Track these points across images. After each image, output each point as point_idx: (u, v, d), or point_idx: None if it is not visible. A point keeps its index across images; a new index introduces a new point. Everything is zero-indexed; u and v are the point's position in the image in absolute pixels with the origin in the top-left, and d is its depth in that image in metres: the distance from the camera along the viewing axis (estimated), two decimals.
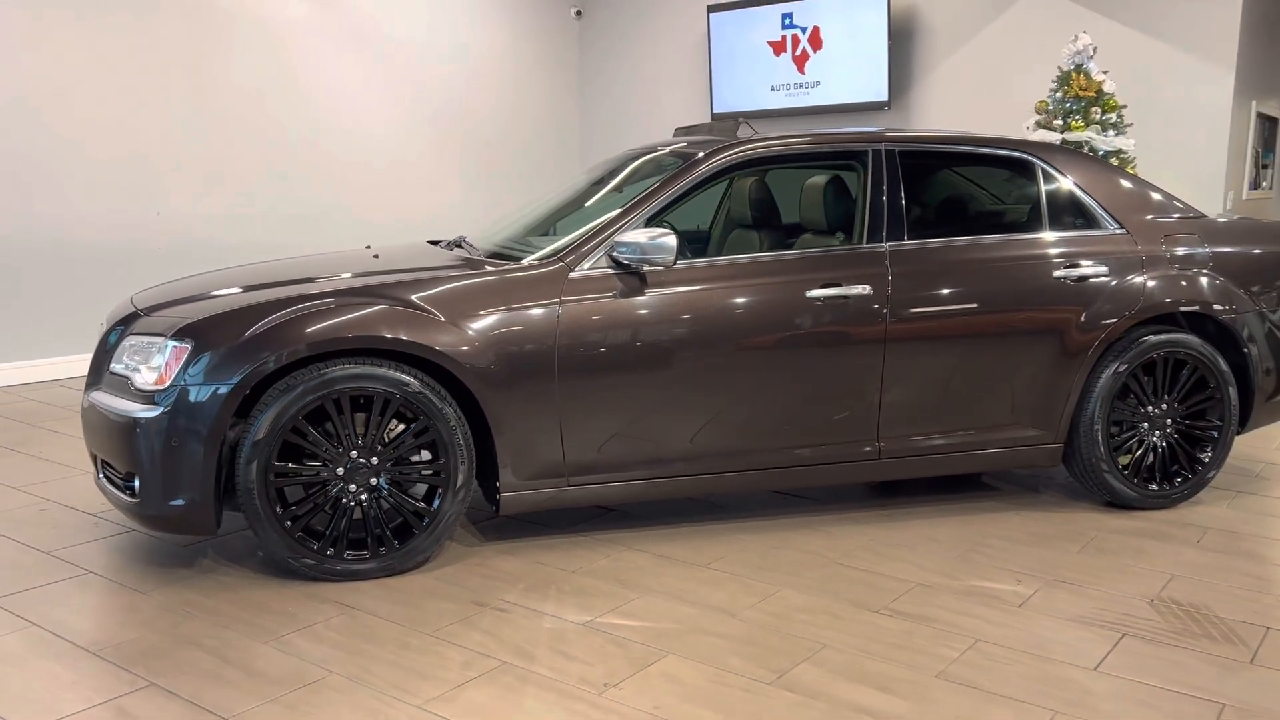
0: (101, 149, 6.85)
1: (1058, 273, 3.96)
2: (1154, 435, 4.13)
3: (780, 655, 2.88)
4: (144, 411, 3.24)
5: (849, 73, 8.45)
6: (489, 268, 3.59)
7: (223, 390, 3.19)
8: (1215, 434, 4.18)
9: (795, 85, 8.76)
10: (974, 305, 3.86)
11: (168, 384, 3.23)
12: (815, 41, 8.58)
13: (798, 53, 8.69)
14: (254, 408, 3.26)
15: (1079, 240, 4.05)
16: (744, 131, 4.12)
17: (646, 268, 3.57)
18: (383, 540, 3.40)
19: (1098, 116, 6.88)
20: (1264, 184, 8.57)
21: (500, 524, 3.94)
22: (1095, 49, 6.98)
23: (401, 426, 3.40)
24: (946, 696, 2.66)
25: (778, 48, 8.80)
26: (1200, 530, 3.94)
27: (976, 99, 8.13)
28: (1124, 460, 4.11)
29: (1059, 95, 7.03)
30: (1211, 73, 7.20)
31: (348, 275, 3.59)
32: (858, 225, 3.90)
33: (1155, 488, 4.14)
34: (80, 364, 6.86)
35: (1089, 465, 4.06)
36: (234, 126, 7.56)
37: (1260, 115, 8.07)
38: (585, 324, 3.49)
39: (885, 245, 3.84)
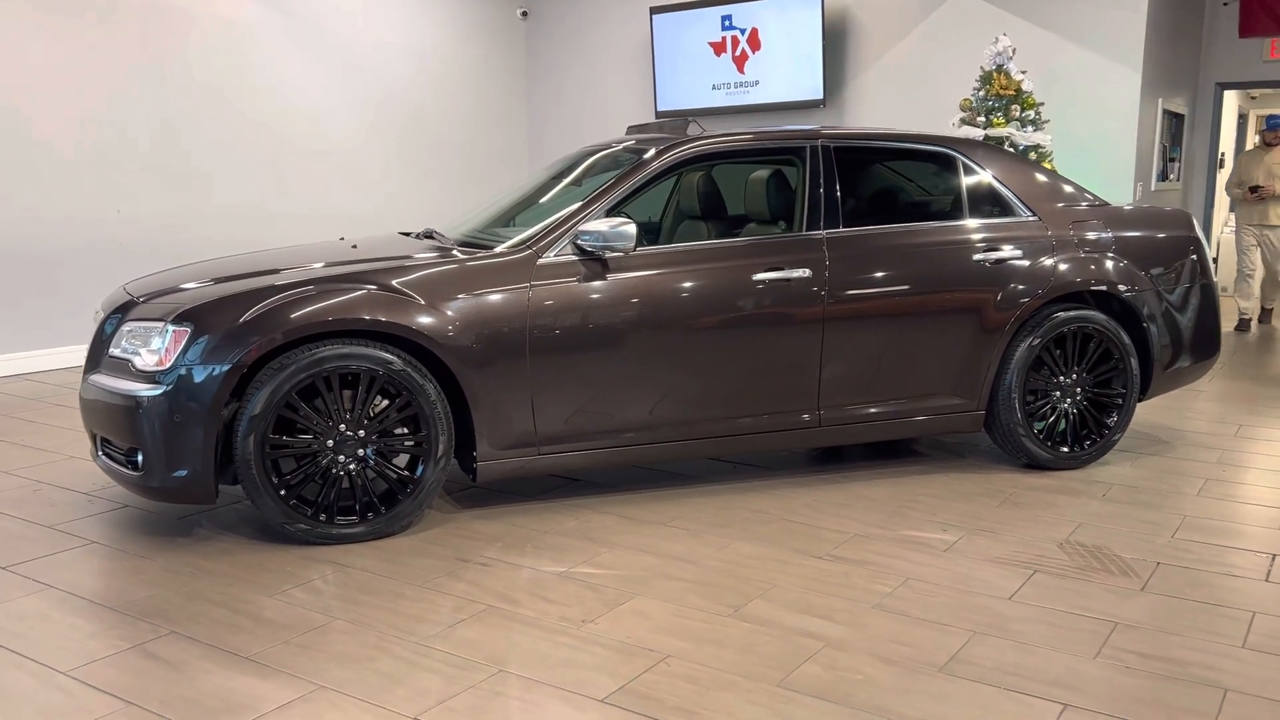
0: (64, 148, 7.02)
1: (977, 256, 4.38)
2: (1065, 403, 4.57)
3: (735, 594, 3.25)
4: (146, 391, 3.51)
5: (786, 72, 8.87)
6: (463, 255, 3.91)
7: (221, 370, 3.47)
8: (1120, 401, 4.64)
9: (735, 84, 9.15)
10: (903, 286, 4.26)
11: (168, 365, 3.50)
12: (754, 42, 8.98)
13: (737, 53, 9.08)
14: (249, 385, 3.55)
15: (996, 227, 4.48)
16: (693, 129, 4.49)
17: (608, 254, 3.91)
18: (370, 506, 3.71)
19: (1017, 114, 7.36)
20: (1171, 176, 9.15)
21: (475, 494, 4.26)
22: (1014, 50, 7.47)
23: (386, 402, 3.71)
24: (879, 623, 3.05)
25: (718, 48, 9.19)
26: (1106, 486, 4.39)
27: (905, 97, 8.59)
28: (1039, 426, 4.54)
29: (982, 94, 7.50)
30: (1120, 73, 7.73)
31: (331, 264, 3.89)
32: (798, 215, 4.28)
33: (1067, 450, 4.59)
34: (47, 358, 7.03)
35: (1008, 430, 4.49)
36: (194, 126, 7.75)
37: (1167, 112, 8.64)
38: (553, 306, 3.82)
39: (823, 233, 4.23)
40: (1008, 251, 4.42)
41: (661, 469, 4.61)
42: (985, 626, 3.02)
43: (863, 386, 4.29)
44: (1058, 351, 4.53)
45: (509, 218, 4.62)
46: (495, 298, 3.78)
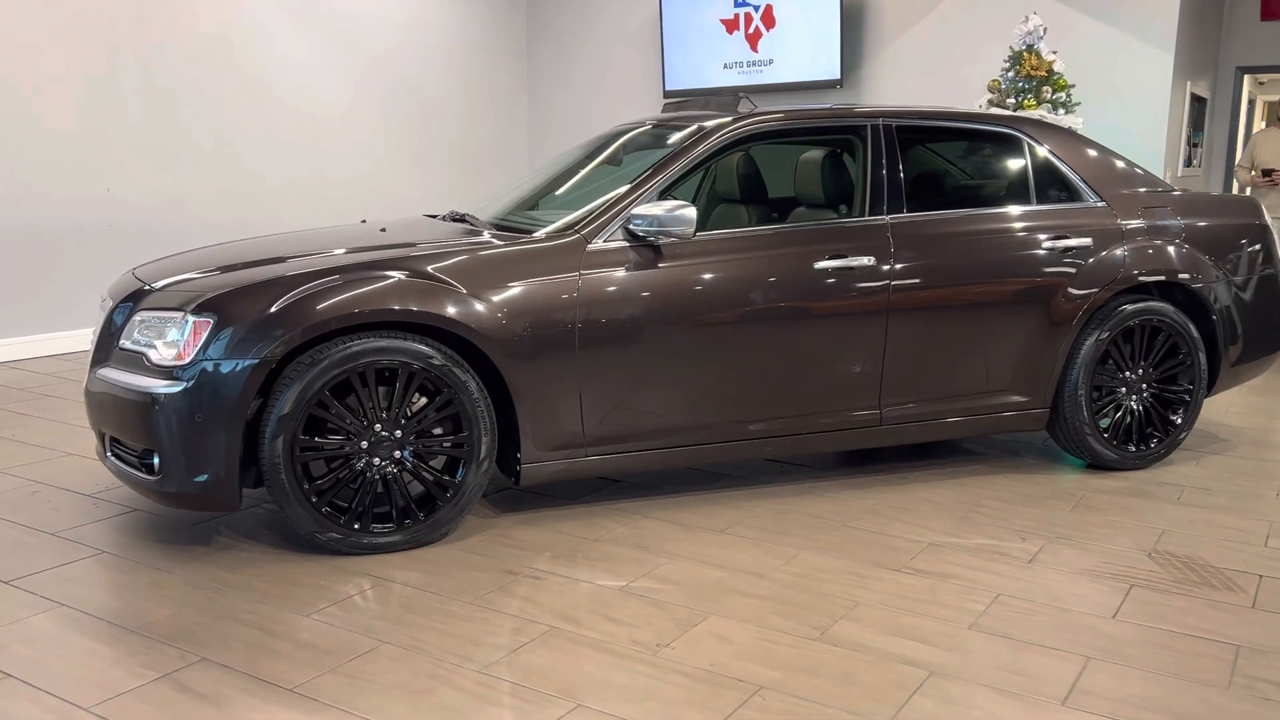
0: (52, 125, 6.63)
1: (1046, 244, 4.12)
2: (1131, 399, 4.33)
3: (817, 613, 2.98)
4: (164, 387, 3.19)
5: (802, 51, 8.57)
6: (506, 241, 3.60)
7: (248, 365, 3.16)
8: (1187, 397, 4.39)
9: (748, 63, 8.85)
10: (970, 276, 3.99)
11: (188, 359, 3.19)
12: (768, 20, 8.68)
13: (750, 31, 8.78)
14: (276, 382, 3.24)
15: (1064, 213, 4.21)
16: (744, 106, 4.19)
17: (663, 239, 3.62)
18: (408, 512, 3.41)
19: (1049, 95, 7.10)
20: (1195, 162, 8.93)
21: (512, 496, 3.97)
22: (1045, 29, 7.20)
23: (423, 400, 3.40)
24: (982, 646, 2.79)
25: (730, 25, 8.87)
26: (1177, 488, 4.15)
27: (926, 77, 8.32)
28: (1104, 424, 4.29)
29: (1011, 75, 7.24)
30: (1152, 55, 7.48)
31: (361, 249, 3.58)
32: (858, 198, 4.00)
33: (1133, 449, 4.34)
34: (33, 345, 6.66)
35: (1073, 429, 4.24)
36: (185, 104, 7.37)
37: (1192, 95, 8.41)
38: (604, 296, 3.53)
39: (886, 218, 3.95)
40: (1076, 240, 4.16)
41: (704, 469, 4.33)
42: (1098, 651, 2.77)
43: (926, 383, 4.02)
44: (1125, 346, 4.28)
45: (543, 200, 4.32)
46: (542, 286, 3.48)
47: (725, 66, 8.98)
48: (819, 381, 3.86)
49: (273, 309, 3.20)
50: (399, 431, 3.37)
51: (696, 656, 2.71)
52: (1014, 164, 4.28)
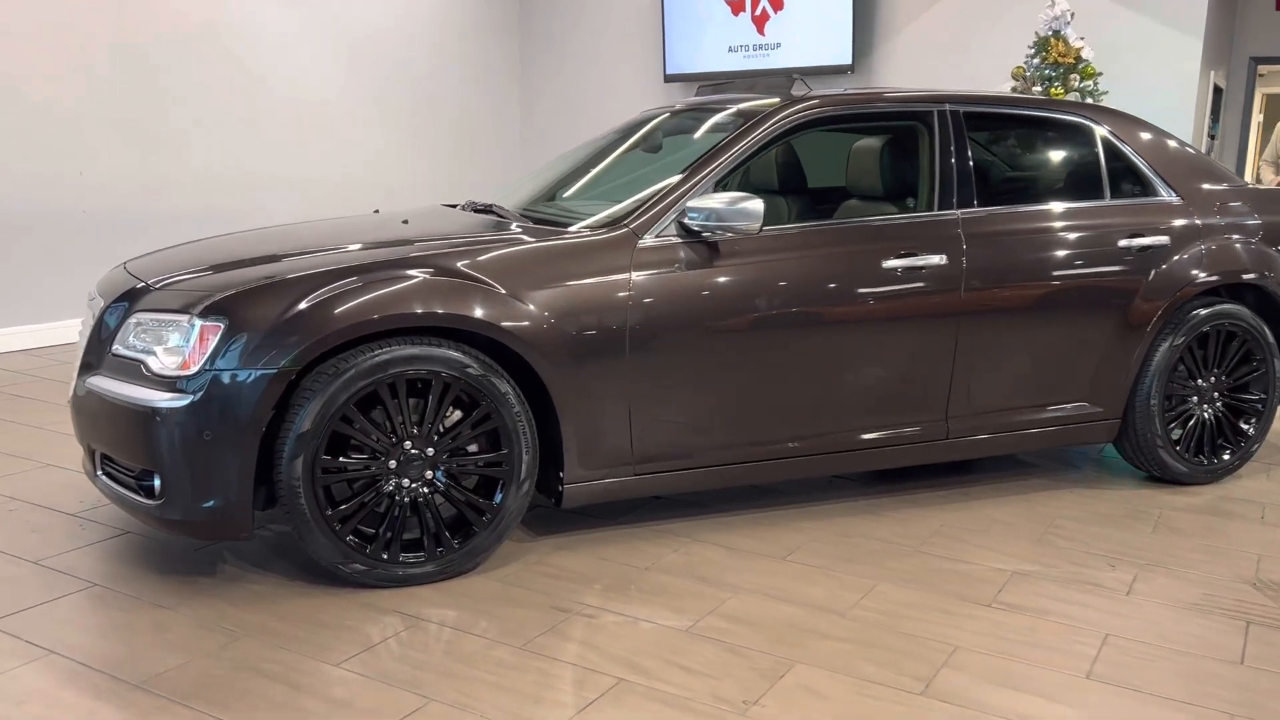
0: (20, 101, 6.16)
1: (1122, 242, 3.81)
2: (1203, 409, 4.04)
3: (914, 659, 2.65)
4: (167, 400, 2.80)
5: (811, 34, 8.23)
6: (548, 235, 3.23)
7: (265, 375, 2.77)
8: (1260, 406, 4.11)
9: (754, 47, 8.50)
10: (1045, 276, 3.68)
11: (195, 369, 2.80)
12: (776, 1, 8.32)
13: (757, 12, 8.42)
14: (293, 395, 2.86)
15: (1140, 209, 3.91)
16: (799, 88, 3.83)
17: (721, 235, 3.26)
18: (440, 540, 3.04)
19: (1076, 84, 6.81)
20: (1212, 155, 8.69)
21: (544, 516, 3.61)
22: (1073, 15, 6.90)
23: (457, 414, 3.04)
24: (1106, 700, 2.47)
25: (736, 7, 8.51)
26: (1257, 505, 3.86)
27: (942, 63, 8.00)
28: (1174, 435, 4.00)
29: (1036, 61, 6.93)
30: (1181, 43, 7.21)
31: (383, 243, 3.20)
32: (924, 191, 3.66)
33: (1204, 462, 4.05)
34: (2, 339, 6.20)
35: (1144, 441, 3.94)
36: (163, 83, 6.91)
37: (1214, 86, 8.16)
38: (658, 297, 3.17)
39: (957, 213, 3.62)
40: (1153, 238, 3.85)
41: (743, 487, 3.99)
42: (1239, 705, 2.46)
43: (996, 392, 3.70)
44: (1199, 352, 3.98)
45: (573, 190, 3.96)
46: (590, 287, 3.12)
47: (730, 50, 8.62)
48: (883, 392, 3.52)
49: (293, 312, 2.82)
50: (430, 449, 2.99)
51: (791, 715, 2.37)
52: (1087, 155, 3.96)
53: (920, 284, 3.49)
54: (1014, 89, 7.01)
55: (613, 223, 3.28)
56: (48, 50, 6.25)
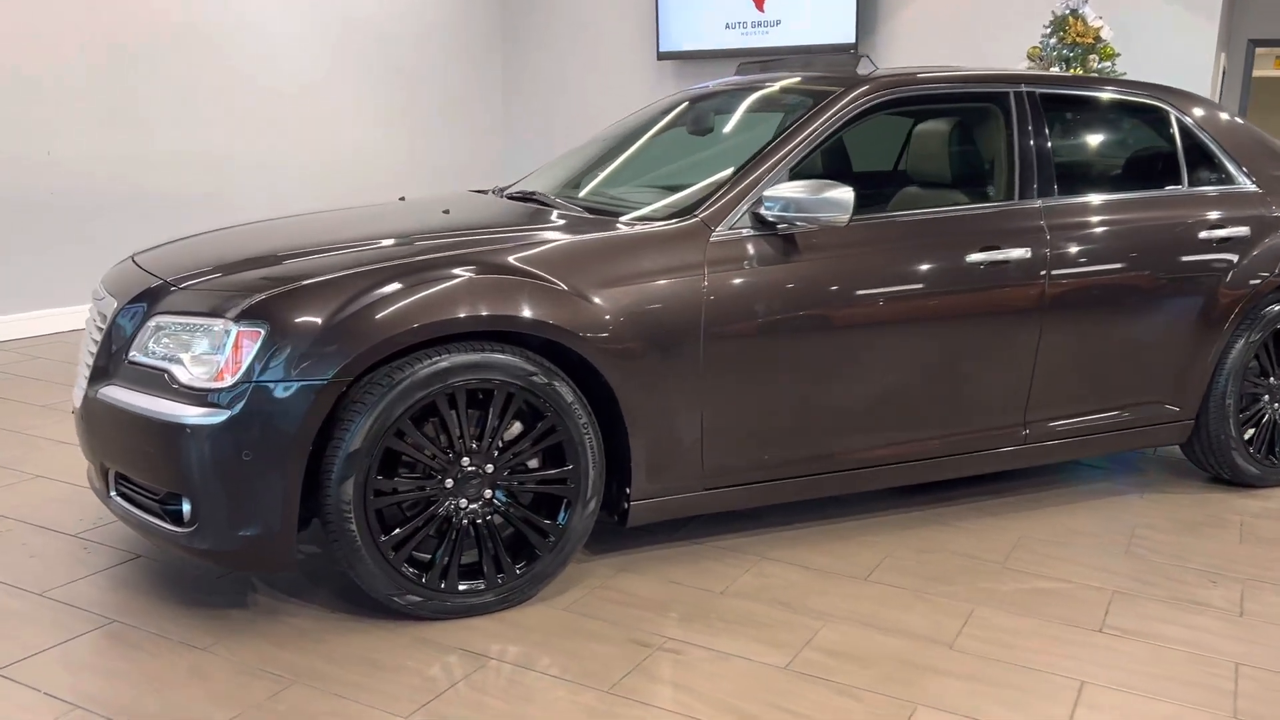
0: None
1: (1203, 234, 3.59)
2: (1273, 408, 3.84)
3: (1043, 698, 2.40)
4: (198, 416, 2.47)
5: (813, 11, 7.95)
6: (609, 226, 2.94)
7: (315, 386, 2.45)
8: None
9: (753, 24, 8.20)
10: (1127, 270, 3.45)
11: (232, 380, 2.47)
12: None
13: None
14: (341, 409, 2.54)
15: (1220, 198, 3.69)
16: (864, 66, 3.56)
17: (799, 227, 2.98)
18: (500, 565, 2.75)
19: (1095, 64, 6.60)
20: None
21: (597, 534, 3.32)
22: None
23: (514, 426, 2.74)
24: None
25: None
26: None
27: (949, 42, 7.76)
28: (1246, 436, 3.81)
29: (1054, 41, 6.72)
30: (1197, 25, 7.03)
31: (432, 236, 2.88)
32: (1002, 179, 3.41)
33: (1277, 463, 3.86)
34: None
35: (1217, 442, 3.75)
36: (132, 61, 6.46)
37: (1223, 70, 8.01)
38: (734, 296, 2.89)
39: (1039, 203, 3.37)
40: (1234, 229, 3.64)
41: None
42: None
43: (1075, 394, 3.47)
44: (1275, 350, 3.79)
45: (615, 176, 3.65)
46: (662, 284, 2.83)
47: (727, 27, 8.32)
48: (962, 396, 3.28)
49: (344, 315, 2.50)
50: (490, 466, 2.69)
51: None
52: (1163, 139, 3.73)
53: (1003, 280, 3.24)
54: (1029, 69, 6.78)
55: (680, 213, 2.99)
56: (11, 26, 5.79)
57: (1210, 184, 3.72)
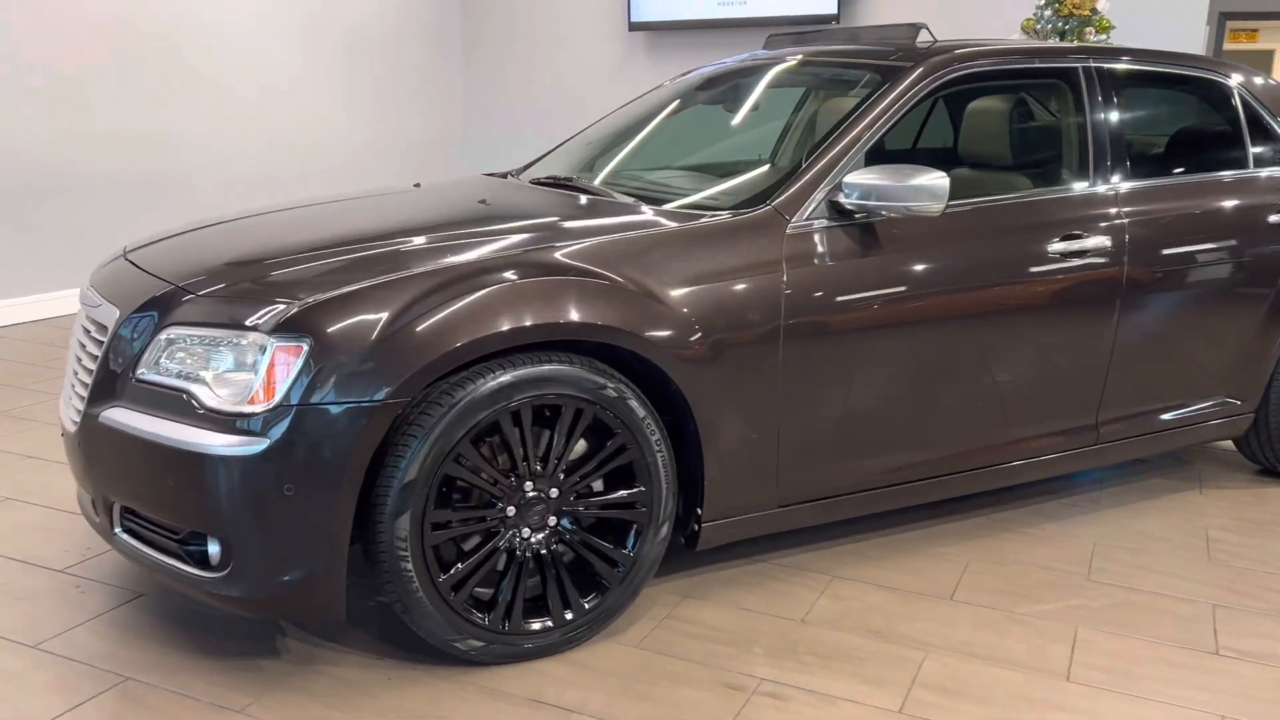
0: None
1: (1272, 217, 3.40)
2: None
3: None
4: (231, 445, 2.13)
5: None
6: (675, 218, 2.64)
7: (367, 408, 2.13)
8: None
9: None
10: (1201, 259, 3.25)
11: (272, 402, 2.13)
12: None
13: None
14: (393, 434, 2.22)
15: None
16: (924, 38, 3.28)
17: (882, 216, 2.71)
18: (567, 600, 2.45)
19: (1091, 37, 6.42)
20: None
21: None
22: None
23: (578, 445, 2.44)
24: None
25: None
26: None
27: (937, 14, 7.54)
28: None
29: (1049, 14, 6.52)
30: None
31: (482, 230, 2.56)
32: (1072, 161, 3.17)
33: None
34: None
35: (1276, 434, 3.58)
36: (74, 31, 5.94)
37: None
38: (814, 294, 2.61)
39: (1115, 187, 3.15)
40: None
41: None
42: None
43: (1146, 389, 3.27)
44: None
45: (648, 159, 3.35)
46: (738, 281, 2.54)
47: None
48: (1039, 397, 3.05)
49: (402, 325, 2.17)
50: (555, 491, 2.39)
51: None
52: (1226, 117, 3.52)
53: (1084, 271, 3.01)
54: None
55: (752, 201, 2.69)
56: None
57: (1270, 165, 3.52)
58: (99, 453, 2.36)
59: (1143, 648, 2.56)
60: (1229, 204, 3.33)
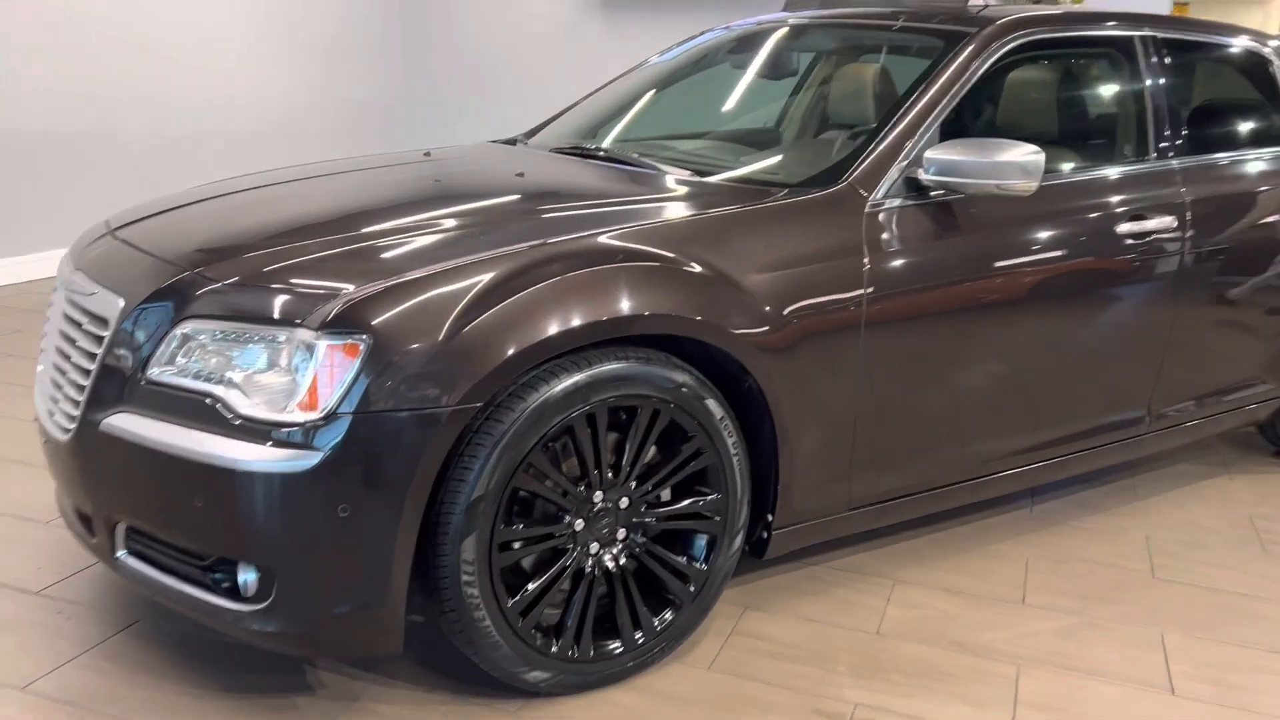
0: None
1: None
2: None
3: None
4: (276, 460, 1.83)
5: None
6: (752, 196, 2.39)
7: (437, 415, 1.84)
8: None
9: None
10: (1250, 239, 3.12)
11: (325, 409, 1.83)
12: None
13: None
14: (459, 445, 1.94)
15: None
16: (973, 3, 3.07)
17: (961, 194, 2.50)
18: (638, 621, 2.21)
19: (1068, 3, 6.32)
20: None
21: None
22: None
23: (649, 449, 2.19)
24: None
25: None
26: None
27: None
28: None
29: None
30: None
31: (534, 208, 2.28)
32: (1129, 136, 3.01)
33: None
34: None
35: None
36: None
37: None
38: (898, 278, 2.39)
39: (1175, 163, 2.99)
40: None
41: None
42: None
43: (1197, 376, 3.14)
44: None
45: (676, 127, 3.09)
46: (818, 264, 2.31)
47: None
48: (1100, 384, 2.89)
49: (474, 319, 1.89)
50: (625, 500, 2.14)
51: None
52: (1267, 91, 3.40)
53: (1148, 253, 2.85)
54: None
55: (825, 177, 2.46)
56: None
57: None
58: (101, 466, 2.03)
59: (1237, 655, 2.43)
60: (1272, 182, 3.21)
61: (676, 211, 2.28)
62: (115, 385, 2.01)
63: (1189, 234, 2.92)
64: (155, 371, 1.97)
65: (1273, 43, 3.41)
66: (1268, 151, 3.26)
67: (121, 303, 2.05)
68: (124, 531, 2.07)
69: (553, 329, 1.92)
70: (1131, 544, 2.98)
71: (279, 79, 7.39)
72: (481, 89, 8.40)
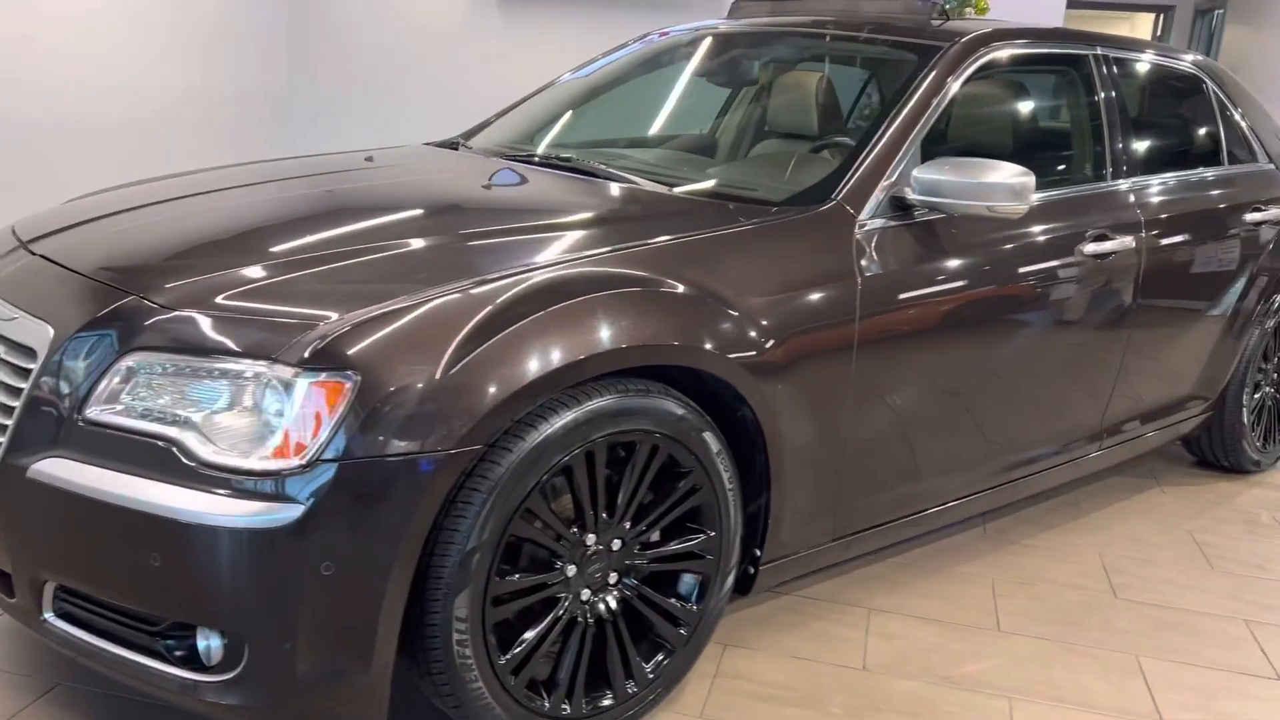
0: None
1: (1248, 216, 3.38)
2: (1269, 395, 3.76)
3: None
4: (249, 514, 1.61)
5: None
6: (746, 215, 2.26)
7: (433, 459, 1.66)
8: None
9: None
10: (1197, 260, 3.17)
11: (307, 457, 1.62)
12: None
13: None
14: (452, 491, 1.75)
15: (1253, 179, 3.50)
16: (934, 15, 3.02)
17: (945, 214, 2.43)
18: (629, 669, 2.06)
19: (970, 16, 6.41)
20: None
21: None
22: None
23: (642, 486, 2.04)
24: None
25: None
26: None
27: None
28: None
29: None
30: None
31: (517, 227, 2.10)
32: (1085, 156, 3.01)
33: (1269, 449, 3.80)
34: None
35: (1229, 431, 3.61)
36: None
37: None
38: (888, 300, 2.31)
39: (1129, 183, 3.01)
40: (1270, 211, 3.45)
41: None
42: None
43: (1144, 395, 3.17)
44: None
45: (630, 137, 2.96)
46: (812, 287, 2.20)
47: None
48: (1057, 404, 2.88)
49: (476, 353, 1.70)
50: (616, 543, 1.99)
51: None
52: (1203, 114, 3.46)
53: (1107, 273, 2.84)
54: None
55: (816, 194, 2.35)
56: None
57: (1241, 163, 3.50)
58: (26, 518, 1.77)
59: (1216, 679, 2.43)
60: (1216, 204, 3.30)
61: (678, 232, 2.13)
62: (45, 426, 1.75)
63: (1143, 255, 2.94)
64: (95, 411, 1.72)
65: (1209, 69, 3.48)
66: (1205, 173, 3.32)
67: (51, 331, 1.78)
68: (53, 591, 1.81)
69: (563, 358, 1.75)
70: (1087, 563, 2.97)
71: (157, 66, 6.91)
72: (368, 85, 8.05)
